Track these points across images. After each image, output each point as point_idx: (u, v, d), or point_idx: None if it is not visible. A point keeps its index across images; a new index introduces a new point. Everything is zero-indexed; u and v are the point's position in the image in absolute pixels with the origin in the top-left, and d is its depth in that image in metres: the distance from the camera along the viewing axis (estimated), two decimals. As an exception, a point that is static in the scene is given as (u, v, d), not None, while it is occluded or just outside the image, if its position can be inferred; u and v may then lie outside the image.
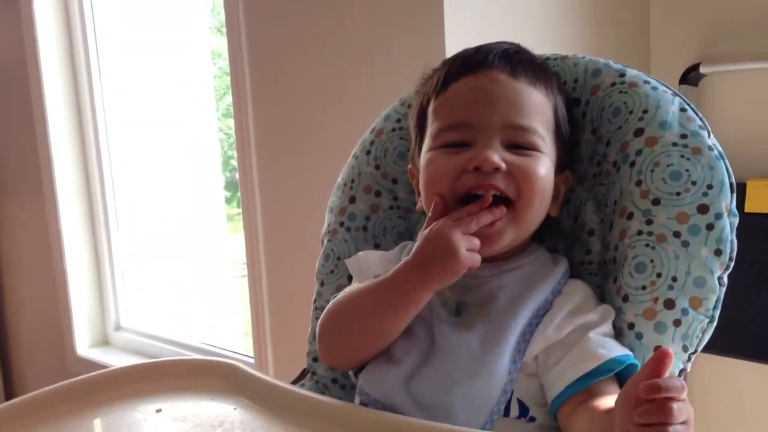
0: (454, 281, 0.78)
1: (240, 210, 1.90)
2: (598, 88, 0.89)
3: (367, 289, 0.82)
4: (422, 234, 0.80)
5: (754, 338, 1.47)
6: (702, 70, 1.50)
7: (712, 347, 0.83)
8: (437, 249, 0.77)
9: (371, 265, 0.88)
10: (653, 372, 0.60)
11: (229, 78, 1.81)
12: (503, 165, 0.79)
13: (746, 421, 1.61)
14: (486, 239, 0.80)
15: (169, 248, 2.48)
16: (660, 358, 0.61)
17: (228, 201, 3.29)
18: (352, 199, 1.02)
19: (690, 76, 1.51)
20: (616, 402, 0.64)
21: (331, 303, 0.86)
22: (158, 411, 0.86)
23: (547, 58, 0.94)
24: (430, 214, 0.82)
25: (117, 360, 2.31)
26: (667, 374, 0.60)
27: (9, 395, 2.77)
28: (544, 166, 0.82)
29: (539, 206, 0.83)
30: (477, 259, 0.78)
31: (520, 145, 0.81)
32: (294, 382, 1.00)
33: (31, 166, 2.45)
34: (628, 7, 1.62)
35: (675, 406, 0.58)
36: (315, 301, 1.03)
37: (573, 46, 1.51)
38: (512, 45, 0.88)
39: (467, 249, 0.77)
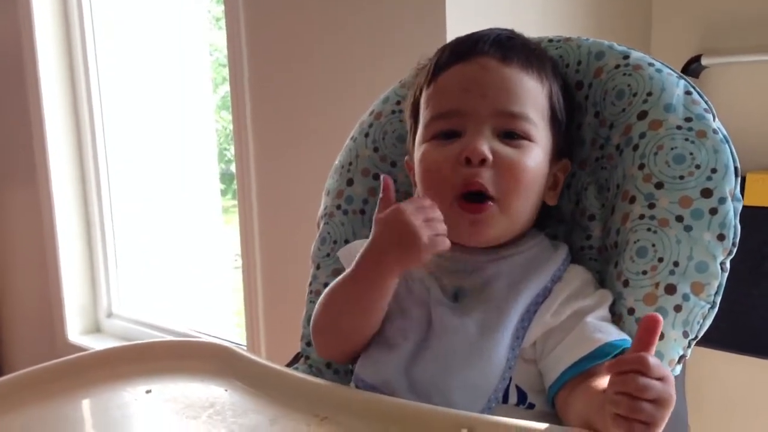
0: (419, 266, 0.77)
1: (235, 202, 1.88)
2: (601, 70, 0.88)
3: (340, 282, 0.82)
4: (378, 218, 0.79)
5: (749, 332, 1.46)
6: (704, 61, 1.49)
7: (707, 340, 0.81)
8: (395, 235, 0.76)
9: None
10: (642, 341, 0.61)
11: (224, 69, 1.79)
12: (490, 156, 0.78)
13: (740, 414, 1.60)
14: (474, 225, 0.79)
15: (164, 238, 2.46)
16: (647, 325, 0.61)
17: (223, 193, 3.28)
18: (350, 182, 1.00)
19: (691, 68, 1.50)
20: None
21: (319, 299, 0.85)
22: (148, 392, 0.85)
23: (551, 41, 0.93)
24: (381, 196, 0.80)
25: (108, 347, 2.29)
26: (656, 341, 0.61)
27: (-2, 382, 2.75)
28: (533, 158, 0.81)
29: (526, 199, 0.81)
30: (443, 243, 0.76)
31: (511, 132, 0.80)
32: (288, 366, 0.99)
33: (25, 152, 2.43)
34: (630, -1, 1.61)
35: (641, 380, 0.59)
36: (310, 285, 1.01)
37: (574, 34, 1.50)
38: (505, 31, 0.87)
39: (432, 234, 0.75)
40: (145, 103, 2.39)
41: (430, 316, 0.80)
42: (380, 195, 0.81)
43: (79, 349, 2.34)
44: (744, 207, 0.83)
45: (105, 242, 2.41)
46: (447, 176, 0.80)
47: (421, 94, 0.86)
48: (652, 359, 0.60)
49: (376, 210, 0.80)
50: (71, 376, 0.89)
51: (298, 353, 1.01)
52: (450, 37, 1.20)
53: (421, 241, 0.74)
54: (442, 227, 0.76)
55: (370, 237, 0.79)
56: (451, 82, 0.83)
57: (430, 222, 0.76)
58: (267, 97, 1.72)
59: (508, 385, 0.77)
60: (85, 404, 0.86)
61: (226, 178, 3.40)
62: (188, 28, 2.43)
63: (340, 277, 0.82)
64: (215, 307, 2.60)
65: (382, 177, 0.81)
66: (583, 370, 0.74)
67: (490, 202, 0.79)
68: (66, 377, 0.89)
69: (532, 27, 0.93)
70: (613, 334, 0.76)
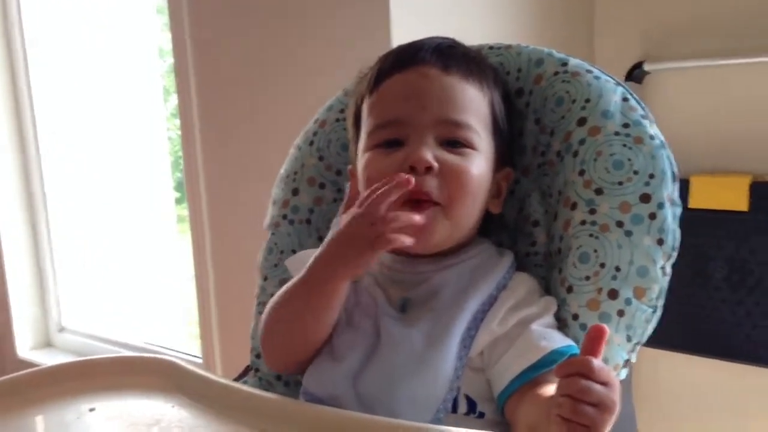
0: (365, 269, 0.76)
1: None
2: (541, 77, 0.89)
3: (289, 288, 0.80)
4: (340, 221, 0.78)
5: (695, 333, 1.49)
6: (646, 67, 1.52)
7: (657, 342, 0.83)
8: (347, 245, 0.75)
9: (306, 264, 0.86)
10: (588, 350, 0.61)
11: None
12: (435, 164, 0.78)
13: (690, 415, 1.63)
14: (420, 230, 0.77)
15: (117, 249, 2.41)
16: (592, 334, 0.62)
17: (178, 202, 3.22)
18: (296, 192, 1.00)
19: (634, 74, 1.53)
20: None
21: (266, 307, 0.84)
22: (92, 410, 0.83)
23: (491, 48, 0.94)
24: (345, 205, 0.80)
25: (60, 362, 2.24)
26: (602, 349, 0.61)
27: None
28: (477, 166, 0.81)
29: (471, 206, 0.82)
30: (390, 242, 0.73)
31: (454, 141, 0.80)
32: (237, 380, 0.98)
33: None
34: (573, 5, 1.63)
35: (582, 382, 0.59)
36: (258, 296, 1.00)
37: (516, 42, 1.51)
38: (446, 39, 0.87)
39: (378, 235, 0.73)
40: (94, 111, 2.35)
41: (378, 327, 0.80)
42: (346, 195, 0.80)
43: (30, 364, 2.28)
44: (688, 210, 0.84)
45: (53, 253, 2.36)
46: None
47: (362, 102, 0.86)
48: (597, 363, 0.60)
49: (340, 211, 0.79)
50: (11, 396, 0.86)
51: (248, 366, 1.00)
52: (395, 45, 1.21)
53: (365, 244, 0.73)
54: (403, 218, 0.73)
55: (326, 241, 0.78)
56: (393, 91, 0.83)
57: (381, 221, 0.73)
58: (215, 105, 1.70)
59: (457, 395, 0.77)
60: (27, 424, 0.84)
61: (182, 186, 3.34)
62: (139, 34, 2.39)
63: (289, 282, 0.81)
64: (172, 319, 2.56)
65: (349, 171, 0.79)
66: (529, 379, 0.74)
67: (434, 206, 0.79)
68: (6, 396, 0.86)
69: (478, 35, 0.94)
70: (558, 341, 0.76)
